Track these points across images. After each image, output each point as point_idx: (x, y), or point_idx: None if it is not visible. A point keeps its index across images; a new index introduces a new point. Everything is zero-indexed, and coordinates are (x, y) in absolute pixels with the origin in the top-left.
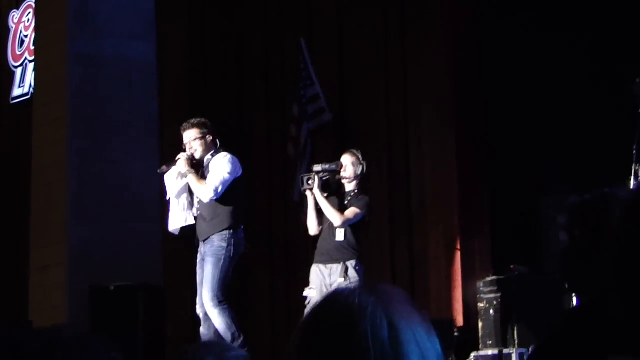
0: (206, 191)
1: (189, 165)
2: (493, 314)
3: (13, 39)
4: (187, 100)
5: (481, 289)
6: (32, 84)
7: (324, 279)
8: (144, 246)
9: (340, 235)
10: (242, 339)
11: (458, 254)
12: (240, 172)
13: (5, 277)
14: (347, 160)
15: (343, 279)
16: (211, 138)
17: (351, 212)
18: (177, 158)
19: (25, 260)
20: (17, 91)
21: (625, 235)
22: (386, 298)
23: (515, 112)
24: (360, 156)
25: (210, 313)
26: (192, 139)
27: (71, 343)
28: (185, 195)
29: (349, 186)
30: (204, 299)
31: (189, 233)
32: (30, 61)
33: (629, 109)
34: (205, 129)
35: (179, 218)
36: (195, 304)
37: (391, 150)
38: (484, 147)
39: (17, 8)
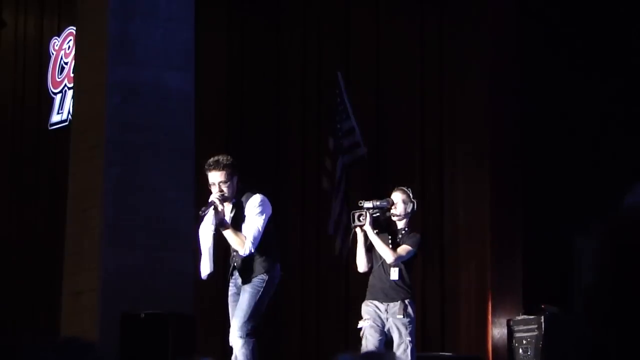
0: (245, 247)
1: (222, 214)
2: (522, 353)
3: (53, 66)
4: (224, 130)
5: (512, 327)
6: (71, 110)
7: (380, 313)
8: (176, 275)
9: (395, 274)
10: None
11: (489, 291)
12: (270, 212)
13: (39, 302)
14: (397, 197)
15: (402, 316)
16: (237, 178)
17: (403, 249)
18: (210, 201)
19: (58, 285)
20: (55, 117)
21: (600, 270)
22: None
23: (552, 150)
24: (411, 194)
25: (235, 342)
26: (222, 182)
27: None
28: (211, 245)
29: (400, 224)
30: (233, 327)
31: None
32: (70, 88)
33: None
34: (233, 169)
35: (208, 265)
36: (227, 334)
37: (425, 185)
38: (518, 185)
39: (59, 35)
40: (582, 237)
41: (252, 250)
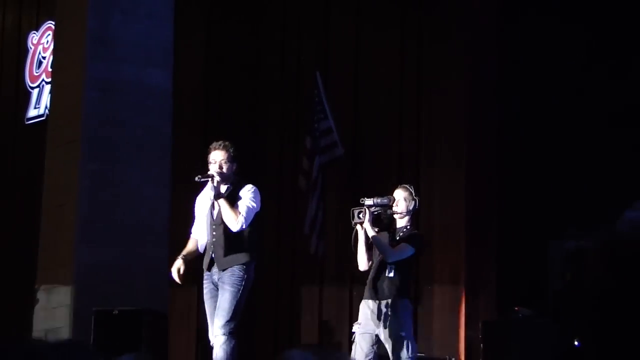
0: (238, 221)
1: (219, 187)
2: (496, 355)
3: (31, 60)
4: (202, 128)
5: (485, 329)
6: (48, 105)
7: (371, 315)
8: (150, 271)
9: (391, 272)
10: None
11: (463, 293)
12: (260, 206)
13: (12, 297)
14: (399, 195)
15: (392, 313)
16: (236, 166)
17: (402, 247)
18: (209, 174)
19: (32, 280)
20: (32, 112)
21: (588, 285)
22: None
23: (528, 153)
24: (412, 191)
25: (217, 340)
26: (223, 160)
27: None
28: (208, 214)
29: (401, 222)
30: (215, 325)
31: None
32: (47, 83)
33: None
34: (236, 156)
35: (205, 234)
36: (201, 332)
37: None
38: (494, 189)
39: (37, 29)
40: (556, 241)
41: (244, 227)
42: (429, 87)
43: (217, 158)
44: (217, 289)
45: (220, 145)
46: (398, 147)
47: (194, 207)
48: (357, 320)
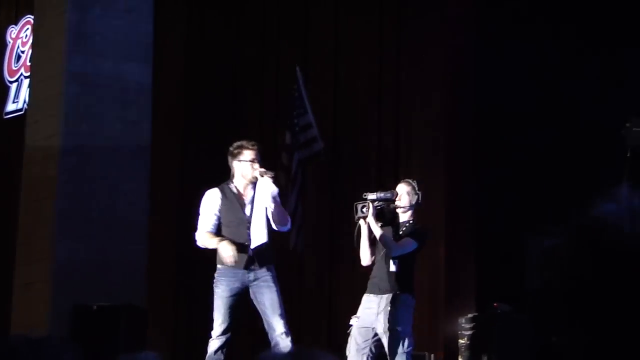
0: (289, 221)
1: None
2: (474, 352)
3: (10, 54)
4: (181, 124)
5: (464, 325)
6: (27, 99)
7: (372, 309)
8: (128, 267)
9: (393, 266)
10: None
11: (442, 290)
12: None
13: None
14: (402, 189)
15: (391, 307)
16: None
17: (406, 242)
18: (270, 175)
19: (10, 276)
20: (10, 106)
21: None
22: None
23: (507, 151)
24: (416, 186)
25: (286, 342)
26: (257, 160)
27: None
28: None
29: (404, 216)
30: (278, 326)
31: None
32: (26, 77)
33: (620, 152)
34: None
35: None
36: (179, 327)
37: (381, 182)
38: (473, 183)
39: (16, 23)
40: (533, 237)
41: (290, 226)
42: (408, 82)
43: (255, 157)
44: (245, 288)
45: (256, 143)
46: (377, 143)
47: (199, 203)
48: (354, 314)
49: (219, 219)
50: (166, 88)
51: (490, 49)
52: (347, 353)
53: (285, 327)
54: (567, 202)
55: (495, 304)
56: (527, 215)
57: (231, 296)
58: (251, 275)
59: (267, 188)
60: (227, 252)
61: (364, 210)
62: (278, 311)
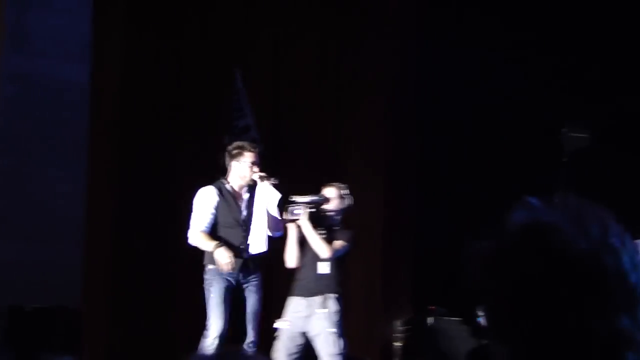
0: (282, 226)
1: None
2: (408, 354)
3: None
4: (119, 125)
5: (398, 328)
6: None
7: (300, 312)
8: (65, 268)
9: (324, 267)
10: None
11: (379, 293)
12: None
13: None
14: (332, 193)
15: (323, 308)
16: None
17: (339, 244)
18: (272, 181)
19: None
20: None
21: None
22: None
23: (446, 154)
24: (345, 190)
25: (250, 342)
26: (257, 164)
27: None
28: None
29: (333, 219)
30: (249, 335)
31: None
32: None
33: (556, 157)
34: None
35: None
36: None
37: (318, 186)
38: (412, 188)
39: None
40: (469, 241)
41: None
42: (348, 86)
43: (255, 160)
44: (236, 287)
45: (255, 145)
46: (317, 147)
47: (191, 202)
48: (281, 317)
49: (215, 218)
50: (104, 89)
51: (430, 53)
52: (274, 358)
53: (254, 337)
54: (505, 206)
55: (431, 307)
56: (465, 219)
57: (227, 294)
58: (244, 278)
59: (270, 194)
60: (224, 259)
61: (296, 212)
62: (254, 321)
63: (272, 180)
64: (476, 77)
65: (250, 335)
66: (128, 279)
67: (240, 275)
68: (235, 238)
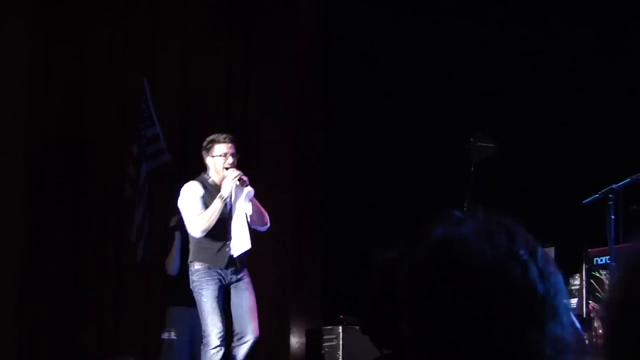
0: (267, 219)
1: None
2: None
3: None
4: (24, 134)
5: (310, 337)
6: None
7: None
8: None
9: None
10: None
11: (289, 301)
12: None
13: None
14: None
15: None
16: None
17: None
18: (245, 178)
19: None
20: None
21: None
22: None
23: (357, 160)
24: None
25: (250, 343)
26: (232, 154)
27: None
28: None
29: None
30: (252, 328)
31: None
32: None
33: (464, 167)
34: None
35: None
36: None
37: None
38: (319, 197)
39: None
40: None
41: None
42: (256, 95)
43: (228, 150)
44: (227, 287)
45: (229, 136)
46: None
47: (187, 197)
48: (167, 327)
49: (205, 205)
50: (9, 97)
51: (341, 56)
52: None
53: (256, 334)
54: (415, 216)
55: (341, 316)
56: (374, 228)
57: (220, 295)
58: (233, 276)
59: (243, 190)
60: (230, 180)
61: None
62: (252, 317)
63: (243, 181)
64: (385, 79)
65: (250, 333)
66: (39, 287)
67: (229, 272)
68: (219, 232)
